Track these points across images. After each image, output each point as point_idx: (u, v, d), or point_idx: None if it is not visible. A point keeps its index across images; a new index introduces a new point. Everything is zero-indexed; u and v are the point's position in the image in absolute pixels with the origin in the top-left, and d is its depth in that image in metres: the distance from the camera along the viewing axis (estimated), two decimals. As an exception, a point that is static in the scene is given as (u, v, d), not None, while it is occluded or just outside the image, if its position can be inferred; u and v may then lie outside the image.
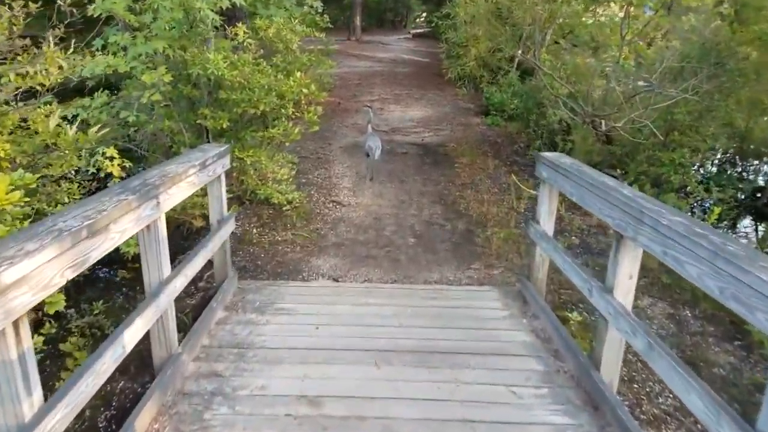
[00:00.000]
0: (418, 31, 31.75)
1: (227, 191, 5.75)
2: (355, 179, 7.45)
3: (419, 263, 5.01)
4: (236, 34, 5.47)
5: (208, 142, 5.70)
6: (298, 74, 5.83)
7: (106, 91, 5.53)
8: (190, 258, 3.26)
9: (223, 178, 4.00)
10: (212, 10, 5.19)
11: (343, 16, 30.79)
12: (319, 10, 9.60)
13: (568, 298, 4.45)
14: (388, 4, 33.74)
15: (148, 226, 2.71)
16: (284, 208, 5.80)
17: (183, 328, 3.67)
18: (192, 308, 4.06)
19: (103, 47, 5.19)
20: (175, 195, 2.94)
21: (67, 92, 5.78)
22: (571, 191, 3.43)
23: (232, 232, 5.41)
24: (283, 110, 5.67)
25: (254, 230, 5.53)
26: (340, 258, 5.07)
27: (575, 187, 3.36)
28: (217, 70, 4.87)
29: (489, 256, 5.17)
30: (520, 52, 13.37)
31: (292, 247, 5.24)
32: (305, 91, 5.78)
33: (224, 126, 5.25)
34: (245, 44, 5.71)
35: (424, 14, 35.45)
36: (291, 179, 6.29)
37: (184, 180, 3.07)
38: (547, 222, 4.07)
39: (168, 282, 2.85)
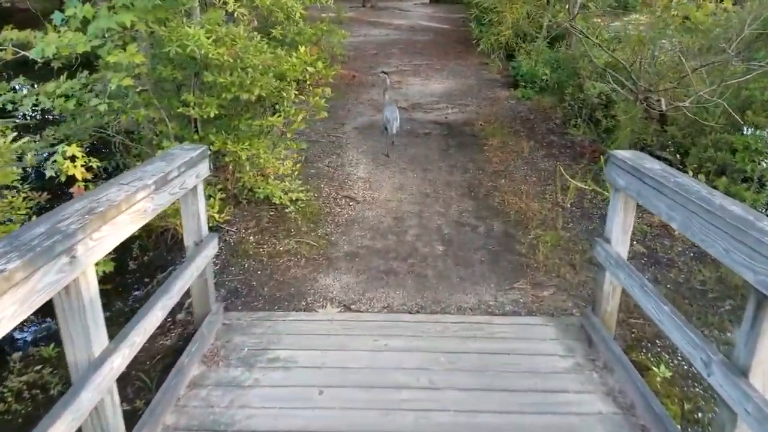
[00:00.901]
0: (437, -5, 30.09)
1: (220, 189, 4.90)
2: (371, 167, 6.49)
3: (450, 281, 4.09)
4: (225, 2, 4.49)
5: (197, 132, 4.79)
6: (302, 49, 4.84)
7: (85, 73, 4.66)
8: (143, 312, 2.37)
9: (200, 189, 3.10)
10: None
11: (357, -18, 29.25)
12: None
13: (640, 330, 3.51)
14: (405, -32, 31.99)
15: (66, 288, 1.84)
16: (287, 210, 4.87)
17: (145, 394, 2.84)
18: (165, 353, 3.22)
19: (66, 21, 4.26)
20: (109, 237, 2.04)
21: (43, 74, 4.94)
22: (669, 213, 2.44)
23: (225, 241, 4.57)
24: (284, 93, 4.72)
25: (251, 238, 4.64)
26: (353, 274, 4.16)
27: (677, 209, 2.36)
28: (198, 48, 3.91)
29: (535, 269, 4.22)
30: (549, 16, 12.14)
31: (296, 260, 4.34)
32: (310, 69, 4.81)
33: (212, 115, 4.32)
34: (237, 15, 4.74)
35: (443, -23, 33.69)
36: (297, 172, 5.34)
37: (128, 211, 2.16)
38: (620, 242, 3.11)
39: (101, 363, 1.98)
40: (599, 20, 9.32)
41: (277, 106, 4.93)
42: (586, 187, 5.32)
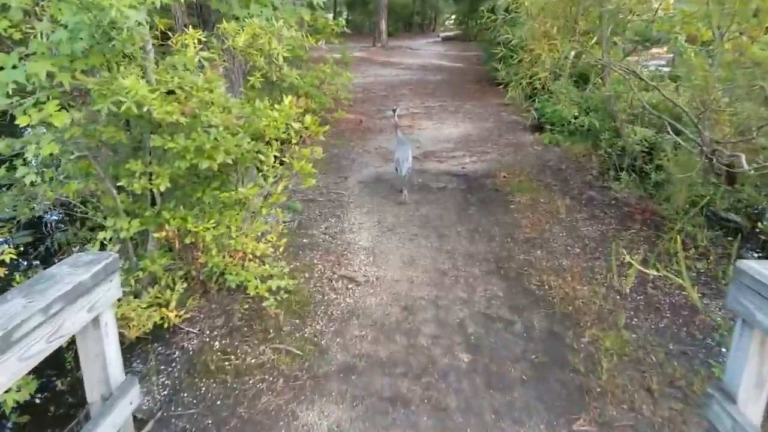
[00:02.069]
0: (448, 34, 29.73)
1: (183, 276, 3.86)
2: (376, 232, 5.43)
3: (482, 417, 2.93)
4: (185, 45, 3.52)
5: (153, 205, 3.78)
6: (287, 100, 3.84)
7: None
8: None
9: (107, 319, 2.04)
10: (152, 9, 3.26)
11: (368, 21, 29.00)
12: (328, 13, 7.76)
13: None
14: (416, 7, 31.77)
15: None
16: (266, 303, 3.78)
17: None
18: None
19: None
20: None
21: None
22: None
23: (183, 349, 3.49)
24: (261, 156, 3.71)
25: (217, 343, 3.54)
26: (347, 405, 3.02)
27: None
28: (134, 105, 2.92)
29: (599, 396, 3.05)
30: (572, 51, 11.20)
31: (271, 380, 3.21)
32: (296, 125, 3.81)
33: (162, 189, 3.30)
34: (210, 59, 3.79)
35: (453, 17, 33.36)
36: (282, 248, 4.26)
37: None
38: (751, 400, 1.98)
39: None
40: (634, 57, 8.38)
41: (261, 168, 3.91)
42: (657, 273, 4.17)
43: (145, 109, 3.00)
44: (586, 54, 6.33)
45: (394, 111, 7.12)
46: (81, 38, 3.03)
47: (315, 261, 4.76)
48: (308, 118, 3.87)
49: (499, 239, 5.23)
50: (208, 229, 3.47)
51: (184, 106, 3.14)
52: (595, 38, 7.30)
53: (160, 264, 3.59)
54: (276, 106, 3.80)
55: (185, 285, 3.74)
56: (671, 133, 5.41)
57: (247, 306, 3.90)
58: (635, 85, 7.04)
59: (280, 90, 8.54)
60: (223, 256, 3.77)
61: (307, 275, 4.46)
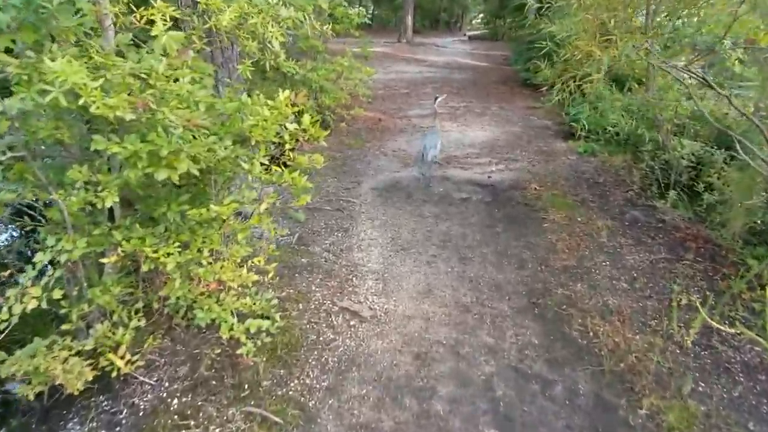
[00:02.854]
0: (475, 33, 28.74)
1: (141, 310, 3.08)
2: (388, 251, 4.62)
3: None
4: (151, 21, 2.75)
5: (111, 221, 3.02)
6: (282, 95, 3.04)
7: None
8: None
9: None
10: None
11: (394, 17, 28.13)
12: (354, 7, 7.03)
13: None
14: (443, 4, 30.78)
15: None
16: (241, 351, 2.98)
17: None
18: None
19: None
20: None
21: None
22: None
23: (132, 406, 2.72)
24: (243, 165, 2.92)
25: (175, 401, 2.77)
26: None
27: None
28: (63, 96, 2.15)
29: None
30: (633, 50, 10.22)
31: (239, 462, 2.46)
32: (291, 127, 3.02)
33: (108, 204, 2.53)
34: (186, 40, 3.02)
35: (481, 15, 32.29)
36: (272, 274, 3.46)
37: None
38: None
39: None
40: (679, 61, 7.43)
41: (230, 183, 3.13)
42: (731, 330, 3.28)
43: (80, 101, 2.22)
44: (648, 55, 5.38)
45: (436, 99, 6.73)
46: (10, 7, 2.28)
47: (313, 287, 3.96)
48: (306, 119, 3.05)
49: (531, 266, 4.38)
50: (171, 254, 2.69)
51: (137, 97, 2.36)
52: (650, 36, 6.38)
53: (114, 294, 2.82)
54: (269, 102, 2.99)
55: (145, 320, 2.96)
56: (740, 150, 4.49)
57: (219, 351, 3.12)
58: (683, 91, 6.16)
59: (291, 83, 7.77)
60: (195, 285, 2.99)
61: (301, 307, 3.67)
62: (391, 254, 4.57)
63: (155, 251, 2.67)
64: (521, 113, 9.96)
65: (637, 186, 6.17)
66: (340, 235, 4.93)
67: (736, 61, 5.38)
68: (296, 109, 3.06)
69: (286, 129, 3.03)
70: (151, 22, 2.71)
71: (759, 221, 4.64)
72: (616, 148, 7.45)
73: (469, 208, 5.67)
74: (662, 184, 6.10)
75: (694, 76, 4.69)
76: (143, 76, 2.45)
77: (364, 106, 9.25)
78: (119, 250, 2.71)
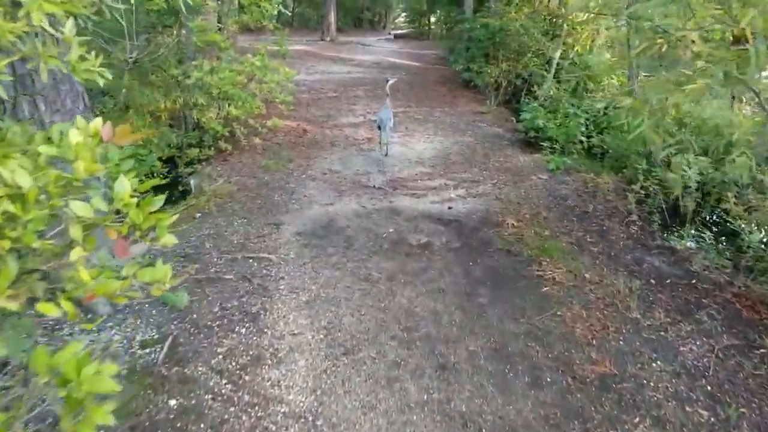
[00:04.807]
0: (400, 32, 27.14)
1: None
2: (322, 362, 2.75)
3: None
4: None
5: None
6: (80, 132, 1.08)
7: None
8: None
9: None
10: None
11: (316, 15, 25.96)
12: None
13: None
14: (366, 3, 28.97)
15: None
16: None
17: None
18: None
19: None
20: None
21: None
22: None
23: None
24: None
25: None
26: None
27: None
28: None
29: None
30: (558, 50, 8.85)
31: None
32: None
33: None
34: None
35: (405, 13, 30.82)
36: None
37: None
38: None
39: None
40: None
41: None
42: None
43: None
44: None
45: (387, 81, 6.75)
46: None
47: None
48: (123, 187, 1.14)
49: (551, 379, 2.67)
50: None
51: None
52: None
53: None
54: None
55: None
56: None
57: None
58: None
59: (183, 90, 5.66)
60: None
61: None
62: (327, 369, 2.71)
63: None
64: (468, 119, 8.34)
65: (637, 216, 4.66)
66: (243, 331, 3.01)
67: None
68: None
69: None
70: None
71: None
72: (594, 164, 5.98)
73: (434, 260, 3.90)
74: (665, 211, 4.65)
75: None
76: None
77: (285, 114, 7.27)
78: None
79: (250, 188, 5.15)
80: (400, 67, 13.91)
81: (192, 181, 5.35)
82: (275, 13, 6.02)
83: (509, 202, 5.00)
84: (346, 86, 10.29)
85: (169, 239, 1.40)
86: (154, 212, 1.36)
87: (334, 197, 5.05)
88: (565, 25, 9.08)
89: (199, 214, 4.55)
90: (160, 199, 1.49)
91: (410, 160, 6.25)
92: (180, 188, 5.38)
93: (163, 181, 5.45)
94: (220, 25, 6.47)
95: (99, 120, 1.41)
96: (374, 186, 5.35)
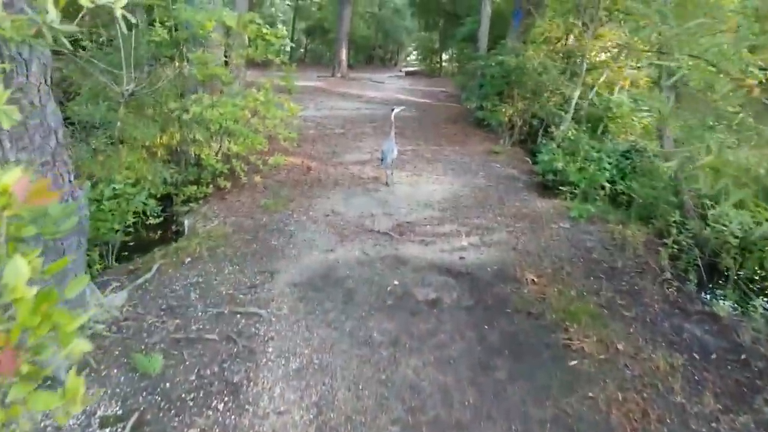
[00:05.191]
0: (411, 69, 27.27)
1: None
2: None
3: None
4: None
5: None
6: None
7: None
8: None
9: None
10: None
11: (328, 52, 26.15)
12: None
13: None
14: (378, 41, 29.23)
15: None
16: None
17: None
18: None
19: None
20: None
21: None
22: None
23: None
24: None
25: None
26: None
27: None
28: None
29: None
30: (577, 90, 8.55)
31: None
32: None
33: None
34: None
35: (416, 52, 31.06)
36: None
37: None
38: None
39: None
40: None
41: None
42: None
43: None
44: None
45: (392, 110, 6.64)
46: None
47: None
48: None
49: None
50: None
51: None
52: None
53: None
54: None
55: None
56: None
57: None
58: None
59: (181, 125, 5.34)
60: None
61: None
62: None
63: None
64: (480, 159, 7.98)
65: (671, 274, 4.20)
66: (221, 407, 2.54)
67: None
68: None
69: None
70: None
71: None
72: (619, 212, 5.54)
73: (444, 320, 3.45)
74: (702, 269, 4.19)
75: None
76: None
77: (292, 150, 6.95)
78: None
79: (247, 230, 4.75)
80: (411, 103, 13.70)
81: (186, 221, 4.97)
82: (285, 47, 5.74)
83: (528, 254, 4.56)
84: (354, 122, 10.02)
85: (79, 346, 0.97)
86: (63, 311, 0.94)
87: (336, 242, 4.64)
88: (585, 65, 8.80)
89: (189, 259, 4.14)
90: (81, 282, 1.08)
91: (419, 202, 5.84)
92: (175, 227, 4.99)
93: (157, 220, 5.09)
94: (225, 58, 6.20)
95: (16, 172, 1.01)
96: (379, 231, 4.94)
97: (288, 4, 27.80)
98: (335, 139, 8.60)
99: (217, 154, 5.41)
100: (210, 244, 4.36)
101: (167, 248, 4.31)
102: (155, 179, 4.84)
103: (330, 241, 4.65)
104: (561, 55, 10.38)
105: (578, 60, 9.85)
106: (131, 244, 4.51)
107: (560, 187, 6.33)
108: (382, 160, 6.31)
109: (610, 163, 5.90)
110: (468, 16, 15.15)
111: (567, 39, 11.42)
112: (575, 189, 6.00)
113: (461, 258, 4.44)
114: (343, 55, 19.74)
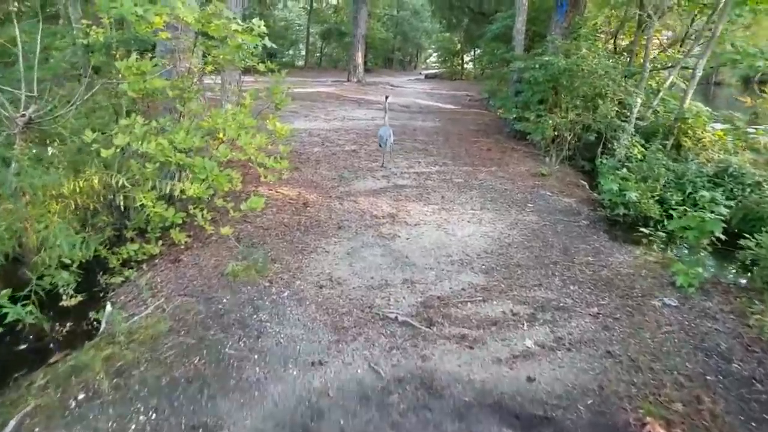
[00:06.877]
0: (431, 72, 25.49)
1: None
2: None
3: None
4: None
5: None
6: None
7: None
8: None
9: None
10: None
11: (345, 55, 24.53)
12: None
13: None
14: (396, 43, 27.47)
15: None
16: None
17: None
18: None
19: None
20: None
21: None
22: None
23: None
24: None
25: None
26: None
27: None
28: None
29: None
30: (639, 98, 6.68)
31: None
32: None
33: None
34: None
35: (436, 54, 29.20)
36: None
37: None
38: None
39: None
40: None
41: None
42: None
43: None
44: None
45: (386, 98, 6.50)
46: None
47: None
48: None
49: None
50: None
51: None
52: None
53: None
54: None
55: None
56: None
57: None
58: None
59: (105, 164, 3.53)
60: None
61: None
62: None
63: None
64: (525, 184, 6.16)
65: None
66: None
67: None
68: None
69: None
70: None
71: None
72: (733, 270, 3.71)
73: None
74: None
75: None
76: None
77: (283, 179, 5.22)
78: None
79: (191, 325, 3.04)
80: (434, 110, 11.91)
81: (108, 307, 3.28)
82: (259, 46, 4.00)
83: (634, 367, 2.76)
84: (369, 136, 8.25)
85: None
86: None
87: (329, 344, 2.91)
88: (648, 64, 6.91)
89: (82, 395, 2.45)
90: None
91: (451, 257, 4.08)
92: (93, 315, 3.29)
93: (73, 301, 3.41)
94: (187, 65, 4.52)
95: None
96: (396, 317, 3.19)
97: (302, 7, 26.21)
98: (344, 160, 6.86)
99: (166, 200, 3.71)
100: (123, 363, 2.66)
101: (56, 370, 2.62)
102: (62, 244, 3.17)
103: (319, 343, 2.92)
104: (616, 53, 8.51)
105: (635, 59, 7.97)
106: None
107: (639, 227, 4.58)
108: (380, 145, 6.50)
109: (725, 205, 4.05)
110: (497, 12, 13.28)
111: (619, 35, 9.51)
112: (660, 228, 4.26)
113: (530, 380, 2.66)
114: (359, 58, 18.06)
